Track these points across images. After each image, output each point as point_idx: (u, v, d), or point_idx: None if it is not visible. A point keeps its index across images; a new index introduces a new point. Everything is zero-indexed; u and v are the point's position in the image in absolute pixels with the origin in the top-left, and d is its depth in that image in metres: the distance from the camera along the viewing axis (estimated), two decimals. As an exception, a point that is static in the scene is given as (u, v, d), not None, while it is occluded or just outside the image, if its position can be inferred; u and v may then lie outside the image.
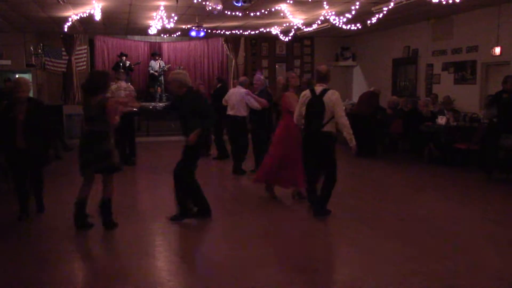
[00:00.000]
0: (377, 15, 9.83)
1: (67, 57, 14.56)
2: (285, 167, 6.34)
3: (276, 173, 6.42)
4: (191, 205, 5.67)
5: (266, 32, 13.56)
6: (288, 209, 6.35)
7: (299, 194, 6.58)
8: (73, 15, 10.60)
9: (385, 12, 9.41)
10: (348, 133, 5.61)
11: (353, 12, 9.60)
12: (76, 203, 5.32)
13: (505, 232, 5.35)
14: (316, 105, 5.66)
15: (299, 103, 5.91)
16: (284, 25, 12.37)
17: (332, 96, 5.63)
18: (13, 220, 5.80)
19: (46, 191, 6.18)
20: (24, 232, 5.36)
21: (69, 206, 6.46)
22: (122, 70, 11.97)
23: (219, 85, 10.44)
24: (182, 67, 15.56)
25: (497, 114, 8.41)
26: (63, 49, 14.55)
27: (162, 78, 15.32)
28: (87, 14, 10.26)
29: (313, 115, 5.68)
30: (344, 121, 5.60)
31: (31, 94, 14.43)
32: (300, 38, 15.21)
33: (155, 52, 15.57)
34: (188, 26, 12.00)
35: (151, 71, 15.28)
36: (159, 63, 15.39)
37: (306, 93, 5.82)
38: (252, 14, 10.48)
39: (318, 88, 5.75)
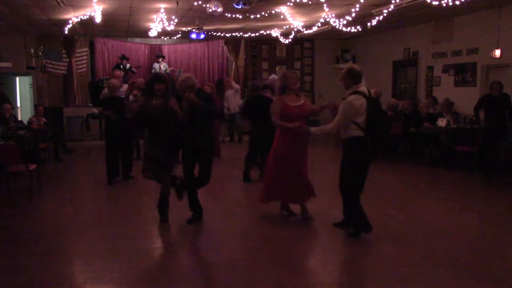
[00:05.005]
0: (377, 18, 9.85)
1: (67, 59, 14.59)
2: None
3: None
4: None
5: (266, 34, 13.58)
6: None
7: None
8: (74, 17, 10.62)
9: (385, 14, 9.42)
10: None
11: (353, 15, 9.61)
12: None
13: (506, 234, 5.34)
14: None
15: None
16: (285, 27, 12.39)
17: None
18: (13, 222, 5.80)
19: (47, 192, 6.16)
20: (24, 233, 5.35)
21: (69, 207, 6.50)
22: (122, 72, 11.99)
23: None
24: (182, 69, 15.55)
25: (485, 117, 8.49)
26: (64, 51, 14.58)
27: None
28: (88, 17, 10.27)
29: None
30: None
31: (31, 96, 14.61)
32: (300, 40, 15.22)
33: (159, 54, 15.57)
34: (189, 28, 12.02)
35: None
36: (160, 66, 15.35)
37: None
38: (252, 16, 10.49)
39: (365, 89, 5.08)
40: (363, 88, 5.04)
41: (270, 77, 9.67)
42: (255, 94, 8.22)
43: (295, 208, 5.90)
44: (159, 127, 5.48)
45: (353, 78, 5.08)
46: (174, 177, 5.72)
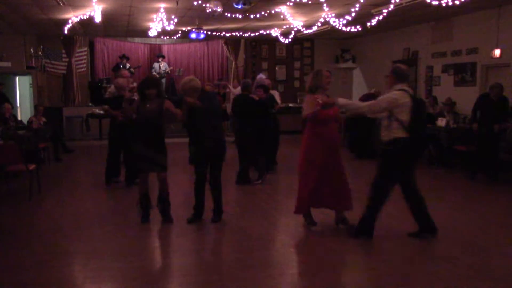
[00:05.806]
0: (377, 17, 9.84)
1: (67, 59, 14.59)
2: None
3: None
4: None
5: (266, 34, 13.58)
6: (287, 213, 6.34)
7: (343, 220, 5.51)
8: (73, 17, 10.62)
9: (384, 14, 9.42)
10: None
11: (353, 14, 9.61)
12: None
13: (505, 234, 5.34)
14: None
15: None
16: (284, 27, 12.39)
17: None
18: (13, 222, 5.80)
19: (46, 192, 6.16)
20: (23, 233, 5.35)
21: (69, 207, 6.50)
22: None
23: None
24: (182, 69, 15.56)
25: (480, 118, 8.49)
26: (63, 51, 14.58)
27: (164, 80, 15.28)
28: (87, 16, 10.28)
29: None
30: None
31: (31, 96, 14.61)
32: (300, 40, 15.23)
33: (160, 54, 15.55)
34: (188, 28, 12.03)
35: (154, 73, 15.29)
36: (160, 65, 15.33)
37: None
38: (252, 16, 10.49)
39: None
40: (408, 88, 4.89)
41: (258, 76, 9.68)
42: (242, 93, 8.21)
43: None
44: (152, 130, 5.51)
45: (397, 76, 4.95)
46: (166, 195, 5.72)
